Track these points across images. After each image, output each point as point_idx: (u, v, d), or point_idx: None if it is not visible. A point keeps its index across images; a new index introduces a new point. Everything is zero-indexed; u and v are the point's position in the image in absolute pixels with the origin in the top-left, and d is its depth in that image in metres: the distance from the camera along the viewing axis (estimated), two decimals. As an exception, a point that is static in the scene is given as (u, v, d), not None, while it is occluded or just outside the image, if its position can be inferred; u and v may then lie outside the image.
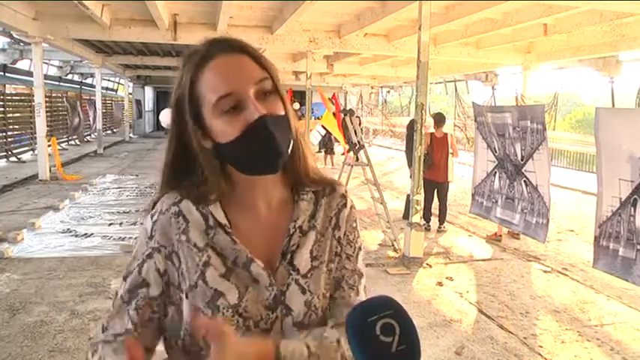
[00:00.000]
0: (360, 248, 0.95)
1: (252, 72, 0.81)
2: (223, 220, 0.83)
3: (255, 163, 0.81)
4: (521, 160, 5.08)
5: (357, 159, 6.19)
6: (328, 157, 13.07)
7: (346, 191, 0.96)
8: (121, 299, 0.82)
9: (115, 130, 24.14)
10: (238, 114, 0.78)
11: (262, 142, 0.79)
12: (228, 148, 0.80)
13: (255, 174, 0.84)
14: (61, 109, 16.57)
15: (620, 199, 3.57)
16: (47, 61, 15.61)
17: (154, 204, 0.86)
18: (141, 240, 0.84)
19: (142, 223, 0.87)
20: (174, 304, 0.82)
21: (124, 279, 0.84)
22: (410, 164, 6.28)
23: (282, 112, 0.82)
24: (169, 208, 0.83)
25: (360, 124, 14.22)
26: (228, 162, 0.83)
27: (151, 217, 0.84)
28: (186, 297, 0.80)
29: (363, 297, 0.92)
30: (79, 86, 19.78)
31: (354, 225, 0.95)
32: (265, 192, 0.87)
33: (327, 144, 12.86)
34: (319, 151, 15.72)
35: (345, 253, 0.92)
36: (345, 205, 0.93)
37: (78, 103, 17.32)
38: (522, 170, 5.09)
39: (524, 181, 5.09)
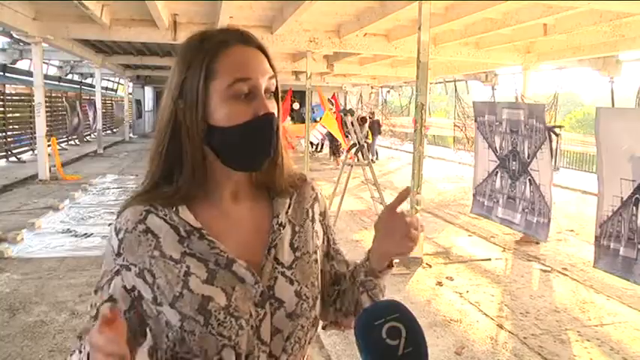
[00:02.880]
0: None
1: (266, 67, 0.84)
2: (196, 224, 0.82)
3: (246, 155, 0.82)
4: (528, 157, 5.10)
5: (364, 157, 6.17)
6: (334, 157, 12.98)
7: (313, 180, 1.01)
8: (90, 315, 0.82)
9: (114, 130, 24.13)
10: (248, 102, 0.80)
11: (262, 137, 0.81)
12: (227, 132, 0.80)
13: (239, 167, 0.84)
14: (60, 109, 16.56)
15: (622, 198, 3.58)
16: (47, 61, 15.61)
17: (124, 209, 0.84)
18: (107, 257, 0.82)
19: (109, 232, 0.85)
20: (151, 317, 0.81)
21: (95, 292, 0.83)
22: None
23: (276, 116, 0.85)
24: (135, 226, 0.81)
25: (365, 122, 14.18)
26: (216, 148, 0.82)
27: (117, 234, 0.81)
28: (171, 307, 0.78)
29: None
30: (78, 86, 19.75)
31: (328, 212, 1.02)
32: (235, 189, 0.87)
33: (333, 143, 12.79)
34: (319, 151, 15.68)
35: (336, 241, 1.02)
36: (316, 198, 0.97)
37: (77, 103, 17.31)
38: (528, 168, 5.10)
39: (529, 179, 5.10)
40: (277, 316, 0.82)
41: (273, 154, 0.85)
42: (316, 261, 0.91)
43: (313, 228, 0.94)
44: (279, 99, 0.88)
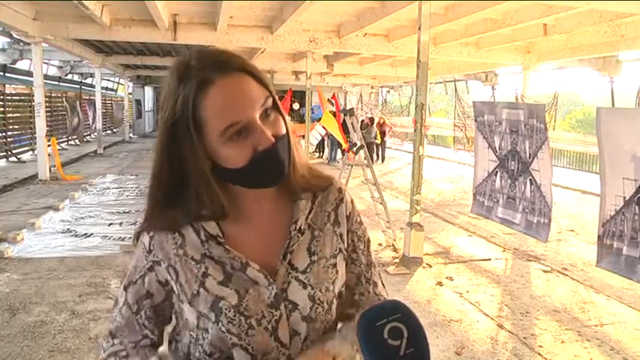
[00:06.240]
0: (368, 240, 0.98)
1: (256, 94, 0.78)
2: (215, 232, 0.84)
3: (260, 183, 0.83)
4: (529, 157, 5.10)
5: (373, 155, 6.13)
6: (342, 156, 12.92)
7: (343, 185, 0.97)
8: (129, 310, 0.86)
9: (114, 130, 24.12)
10: (245, 139, 0.78)
11: (271, 168, 0.80)
12: (235, 172, 0.80)
13: (255, 188, 0.85)
14: (60, 109, 16.54)
15: (624, 197, 3.58)
16: (47, 61, 15.59)
17: (137, 237, 0.86)
18: (139, 254, 0.86)
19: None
20: (176, 311, 0.87)
21: (125, 288, 0.86)
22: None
23: (284, 131, 0.82)
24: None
25: (373, 122, 14.09)
26: (228, 181, 0.83)
27: (148, 233, 0.85)
28: (190, 305, 0.82)
29: (381, 287, 0.97)
30: (78, 86, 19.75)
31: (359, 219, 0.97)
32: (258, 200, 0.88)
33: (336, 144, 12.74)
34: (315, 151, 15.65)
35: (360, 249, 0.96)
36: (342, 200, 0.94)
37: (77, 103, 17.30)
38: (530, 168, 5.10)
39: (530, 179, 5.10)
40: (293, 319, 0.83)
41: (288, 167, 0.83)
42: (334, 265, 0.89)
43: (334, 231, 0.92)
44: (280, 109, 0.83)
